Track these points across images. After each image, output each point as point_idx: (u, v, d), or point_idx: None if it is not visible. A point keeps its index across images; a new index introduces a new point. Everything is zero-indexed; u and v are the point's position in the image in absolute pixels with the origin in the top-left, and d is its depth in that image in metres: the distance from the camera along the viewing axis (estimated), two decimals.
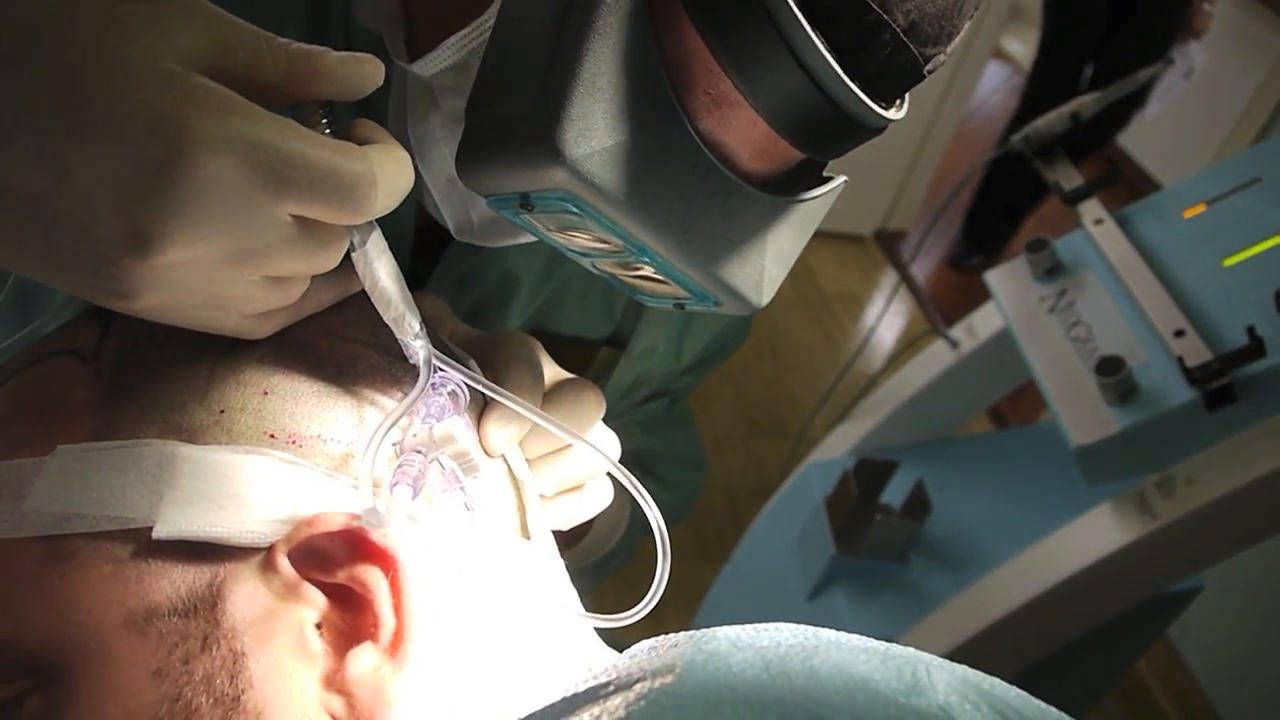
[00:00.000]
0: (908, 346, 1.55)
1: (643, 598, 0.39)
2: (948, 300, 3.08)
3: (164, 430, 0.35)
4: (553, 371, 0.46)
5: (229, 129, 0.29)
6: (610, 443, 0.47)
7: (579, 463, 0.46)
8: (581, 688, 0.30)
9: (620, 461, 0.47)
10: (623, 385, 0.72)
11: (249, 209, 0.30)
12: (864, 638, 0.31)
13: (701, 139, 0.36)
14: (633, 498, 0.41)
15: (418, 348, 0.39)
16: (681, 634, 0.33)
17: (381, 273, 0.37)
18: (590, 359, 0.70)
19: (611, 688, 0.28)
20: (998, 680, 0.29)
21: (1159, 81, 2.34)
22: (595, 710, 0.27)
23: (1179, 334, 0.97)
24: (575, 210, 0.36)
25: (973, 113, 3.87)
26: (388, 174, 0.33)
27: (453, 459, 0.38)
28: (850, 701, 0.26)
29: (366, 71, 0.34)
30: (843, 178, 0.42)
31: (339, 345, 0.40)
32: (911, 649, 0.30)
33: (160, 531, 0.33)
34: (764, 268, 0.39)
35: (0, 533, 0.33)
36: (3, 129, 0.29)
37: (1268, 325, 0.92)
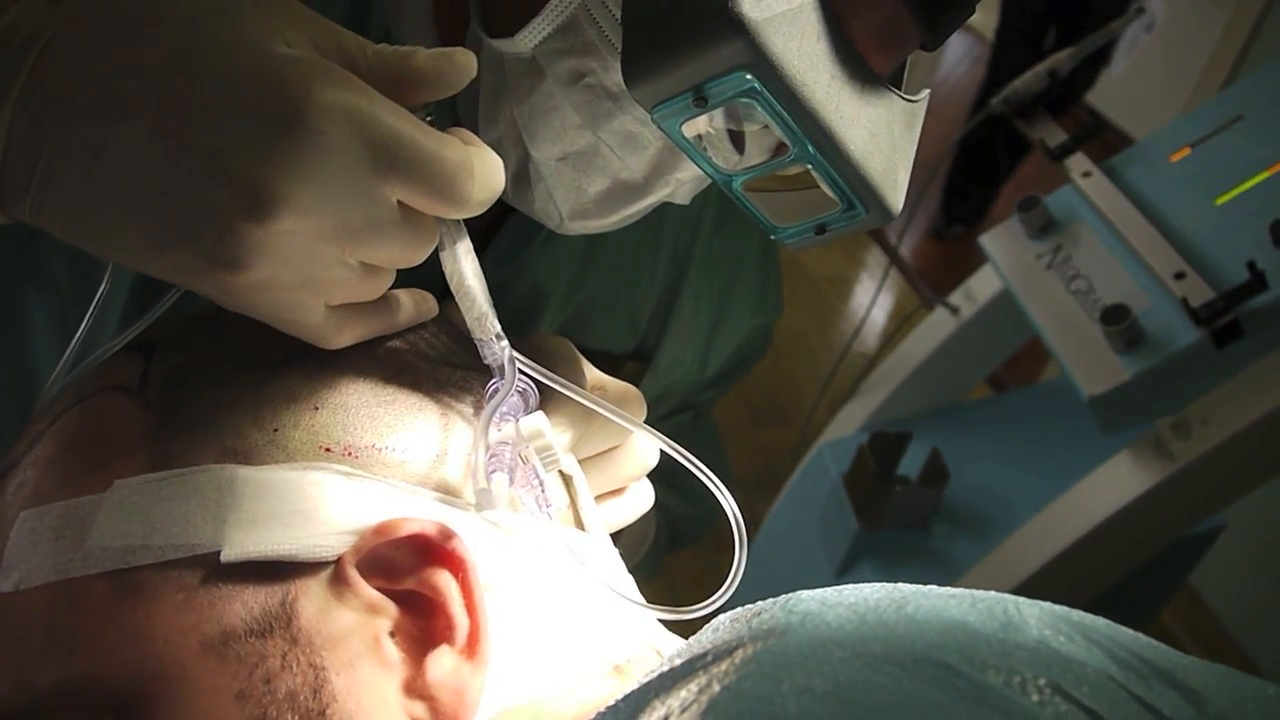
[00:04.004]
0: (903, 322, 1.55)
1: (662, 596, 0.39)
2: (935, 271, 3.09)
3: (220, 455, 0.35)
4: (594, 374, 0.47)
5: (347, 100, 0.30)
6: (652, 446, 0.48)
7: (621, 466, 0.46)
8: (679, 663, 0.30)
9: (648, 474, 0.47)
10: (648, 398, 0.72)
11: (359, 182, 0.31)
12: (942, 587, 0.31)
13: (837, 18, 0.36)
14: (658, 513, 0.41)
15: (500, 347, 0.40)
16: (762, 602, 0.33)
17: (467, 271, 0.38)
18: (616, 373, 0.70)
19: (710, 657, 0.28)
20: (1084, 612, 0.29)
21: (1121, 37, 2.35)
22: (702, 679, 0.27)
23: (1179, 276, 0.98)
24: (749, 92, 0.35)
25: (938, 85, 3.89)
26: (485, 171, 0.34)
27: (537, 453, 0.39)
28: (953, 642, 0.26)
29: (459, 64, 0.34)
30: (927, 90, 0.41)
31: (382, 356, 0.40)
32: (993, 591, 0.31)
33: (229, 554, 0.33)
34: (895, 167, 0.39)
35: (67, 572, 0.33)
36: (125, 101, 0.29)
37: (1266, 258, 0.92)
